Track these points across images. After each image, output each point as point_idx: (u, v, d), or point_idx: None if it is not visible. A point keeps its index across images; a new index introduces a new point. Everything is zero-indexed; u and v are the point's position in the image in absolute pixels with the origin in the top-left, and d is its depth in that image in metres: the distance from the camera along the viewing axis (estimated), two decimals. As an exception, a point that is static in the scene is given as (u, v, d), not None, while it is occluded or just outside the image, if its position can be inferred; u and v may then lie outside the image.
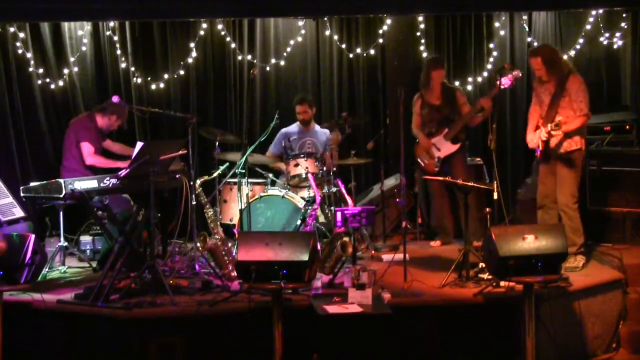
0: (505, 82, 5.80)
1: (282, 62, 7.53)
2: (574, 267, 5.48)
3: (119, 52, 7.23)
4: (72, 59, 7.15)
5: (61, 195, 4.88)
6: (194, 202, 5.59)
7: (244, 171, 5.76)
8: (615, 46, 7.59)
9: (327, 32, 7.59)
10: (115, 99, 5.90)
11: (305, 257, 4.13)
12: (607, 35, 7.54)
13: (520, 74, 6.03)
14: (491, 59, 7.65)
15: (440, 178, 5.91)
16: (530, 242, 4.29)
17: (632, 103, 7.45)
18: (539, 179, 5.85)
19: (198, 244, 5.31)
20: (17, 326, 4.69)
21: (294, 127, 6.97)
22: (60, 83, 7.10)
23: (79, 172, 5.72)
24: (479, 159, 7.14)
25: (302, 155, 6.23)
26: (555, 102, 5.54)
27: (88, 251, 6.35)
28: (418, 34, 7.62)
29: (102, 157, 6.01)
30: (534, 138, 5.64)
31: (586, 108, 5.50)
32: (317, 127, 7.02)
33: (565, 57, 5.73)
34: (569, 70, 5.61)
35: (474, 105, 6.43)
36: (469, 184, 5.41)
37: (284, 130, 6.92)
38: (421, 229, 7.11)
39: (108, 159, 5.99)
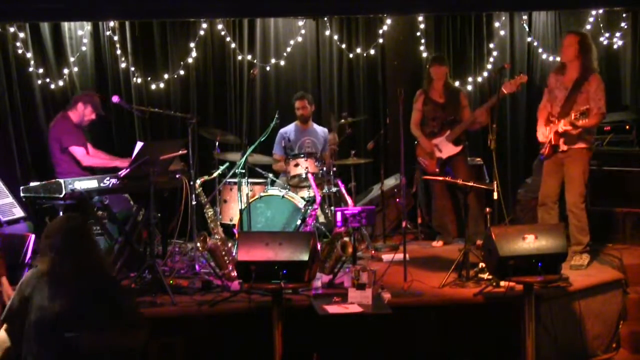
0: (510, 89, 5.81)
1: (282, 62, 7.53)
2: (579, 265, 5.49)
3: (119, 52, 7.22)
4: (72, 59, 7.15)
5: (61, 195, 4.89)
6: (194, 202, 5.59)
7: (244, 171, 5.76)
8: (615, 46, 7.59)
9: (327, 32, 7.59)
10: (115, 99, 5.89)
11: (305, 257, 4.13)
12: (607, 35, 7.54)
13: (526, 79, 6.01)
14: (491, 59, 7.65)
15: (440, 178, 5.91)
16: (530, 242, 4.28)
17: (632, 103, 7.46)
18: (542, 178, 5.82)
19: (198, 244, 5.30)
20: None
21: (291, 127, 6.98)
22: (60, 83, 7.10)
23: (75, 174, 5.71)
24: (479, 159, 7.14)
25: (302, 155, 6.24)
26: (572, 97, 5.51)
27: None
28: (418, 34, 7.63)
29: (98, 157, 6.00)
30: (545, 132, 5.62)
31: (604, 107, 5.49)
32: (315, 126, 7.03)
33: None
34: (593, 69, 5.57)
35: (472, 112, 6.41)
36: (469, 183, 5.42)
37: (282, 130, 6.93)
38: (421, 229, 7.11)
39: (104, 158, 5.98)
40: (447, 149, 6.44)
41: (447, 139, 6.43)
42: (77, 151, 5.88)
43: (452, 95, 6.52)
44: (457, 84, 7.39)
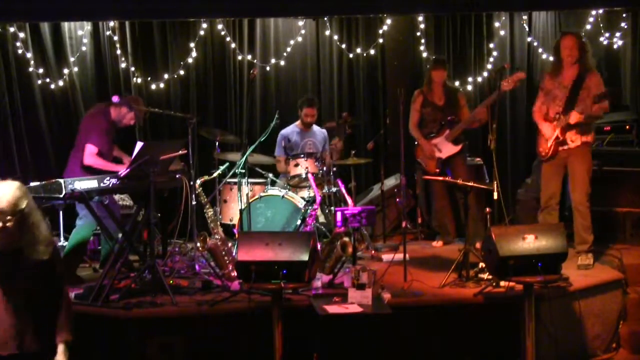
0: (508, 86, 5.79)
1: (282, 62, 7.54)
2: (587, 265, 5.50)
3: (119, 52, 7.23)
4: (72, 59, 7.16)
5: (61, 195, 4.87)
6: (194, 202, 5.59)
7: (244, 171, 5.76)
8: (615, 46, 7.60)
9: (327, 32, 7.60)
10: (115, 99, 5.88)
11: (305, 257, 4.13)
12: (607, 35, 7.55)
13: (524, 76, 6.02)
14: (491, 59, 7.66)
15: (441, 178, 5.92)
16: (530, 242, 4.28)
17: (632, 103, 7.46)
18: (544, 180, 5.78)
19: (198, 244, 5.30)
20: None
21: (292, 128, 6.94)
22: (60, 83, 7.11)
23: (83, 169, 5.65)
24: (478, 159, 7.14)
25: (302, 155, 6.24)
26: (574, 94, 5.51)
27: (88, 251, 6.34)
28: (418, 34, 7.64)
29: (102, 160, 5.88)
30: (551, 131, 5.58)
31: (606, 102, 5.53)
32: (315, 127, 7.02)
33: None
34: (590, 66, 5.62)
35: (472, 111, 6.42)
36: (469, 183, 5.42)
37: (282, 132, 6.89)
38: (421, 228, 7.11)
39: (108, 162, 5.87)
40: (446, 149, 6.44)
41: (446, 139, 6.43)
42: (89, 149, 5.72)
43: (451, 95, 6.53)
44: (457, 84, 7.41)
